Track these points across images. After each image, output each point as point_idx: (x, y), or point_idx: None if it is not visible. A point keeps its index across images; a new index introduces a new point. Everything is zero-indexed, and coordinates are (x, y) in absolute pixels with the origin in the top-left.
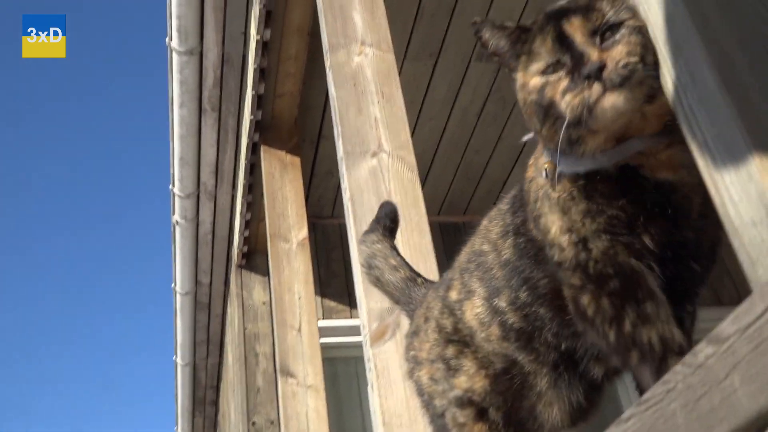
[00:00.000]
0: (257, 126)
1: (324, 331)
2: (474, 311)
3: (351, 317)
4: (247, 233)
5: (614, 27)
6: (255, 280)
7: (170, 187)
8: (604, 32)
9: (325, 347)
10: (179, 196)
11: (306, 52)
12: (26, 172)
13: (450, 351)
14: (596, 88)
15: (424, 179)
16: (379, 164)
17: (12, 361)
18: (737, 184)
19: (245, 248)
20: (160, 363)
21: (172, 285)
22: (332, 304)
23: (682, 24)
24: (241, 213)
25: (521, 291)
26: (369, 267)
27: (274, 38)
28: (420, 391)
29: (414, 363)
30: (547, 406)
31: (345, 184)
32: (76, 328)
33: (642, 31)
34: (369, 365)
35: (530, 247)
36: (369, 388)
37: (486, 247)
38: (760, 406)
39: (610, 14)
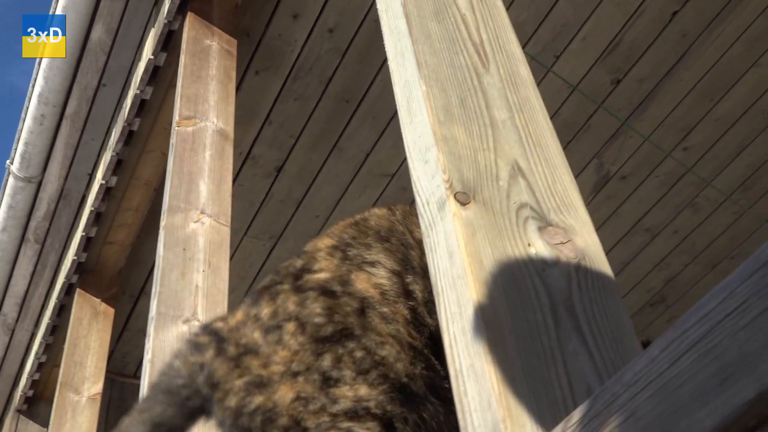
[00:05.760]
0: (78, 267)
1: None
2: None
3: None
4: (37, 376)
5: None
6: (32, 430)
7: None
8: None
9: None
10: None
11: (148, 206)
12: None
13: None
14: None
15: None
16: (189, 332)
17: None
18: (479, 405)
19: (30, 392)
20: None
21: None
22: None
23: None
24: (36, 354)
25: None
26: None
27: (120, 186)
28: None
29: (254, 386)
30: None
31: (149, 345)
32: None
33: None
34: None
35: None
36: None
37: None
38: None
39: None
